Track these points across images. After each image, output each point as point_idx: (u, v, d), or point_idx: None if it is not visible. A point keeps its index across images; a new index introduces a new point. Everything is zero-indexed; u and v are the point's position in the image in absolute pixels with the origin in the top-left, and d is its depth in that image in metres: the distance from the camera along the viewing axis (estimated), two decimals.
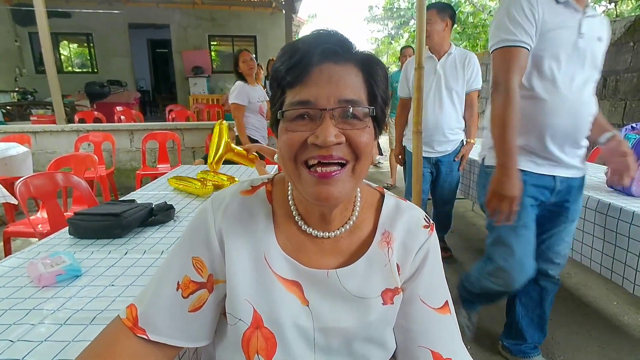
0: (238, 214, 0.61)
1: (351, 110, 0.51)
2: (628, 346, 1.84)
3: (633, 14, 3.80)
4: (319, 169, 0.51)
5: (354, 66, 0.53)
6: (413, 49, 4.12)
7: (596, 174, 2.05)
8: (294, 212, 0.62)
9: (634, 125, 1.73)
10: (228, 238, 0.60)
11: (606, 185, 1.76)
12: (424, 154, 2.27)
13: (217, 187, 1.83)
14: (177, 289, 0.59)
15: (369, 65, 0.54)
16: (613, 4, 5.22)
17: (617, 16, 5.45)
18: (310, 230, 0.61)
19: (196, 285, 0.60)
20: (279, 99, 0.55)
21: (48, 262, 0.97)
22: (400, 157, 2.65)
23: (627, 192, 1.64)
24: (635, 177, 1.62)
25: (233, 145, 1.81)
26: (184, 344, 0.60)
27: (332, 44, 0.52)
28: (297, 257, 0.61)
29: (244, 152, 1.79)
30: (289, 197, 0.63)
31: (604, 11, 6.77)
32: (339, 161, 0.52)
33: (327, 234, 0.61)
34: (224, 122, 1.86)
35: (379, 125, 0.57)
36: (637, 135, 1.65)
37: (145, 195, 1.79)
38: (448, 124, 2.37)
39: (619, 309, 2.14)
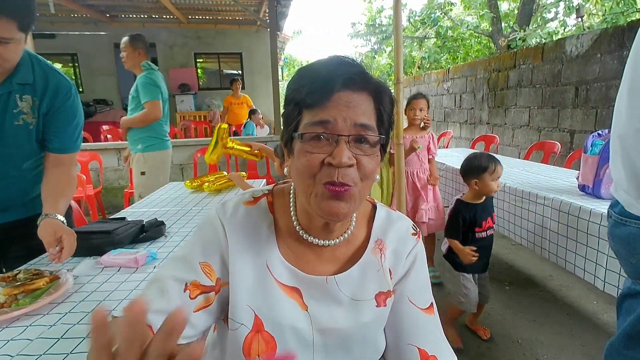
0: (242, 224, 0.66)
1: (364, 135, 0.57)
2: None
3: (599, 28, 4.03)
4: (332, 184, 0.56)
5: (368, 94, 0.59)
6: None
7: (568, 178, 2.16)
8: (295, 223, 0.66)
9: (600, 132, 1.83)
10: (233, 245, 0.64)
11: (577, 189, 1.86)
12: None
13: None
14: (185, 290, 0.61)
15: (379, 93, 0.60)
16: (580, 19, 5.53)
17: (585, 29, 5.74)
18: (312, 239, 0.66)
19: (206, 288, 0.63)
20: (296, 118, 0.59)
21: (129, 252, 1.22)
22: None
23: (596, 194, 1.74)
24: (603, 180, 1.72)
25: (231, 142, 2.26)
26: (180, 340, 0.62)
27: (353, 74, 0.57)
28: (298, 264, 0.65)
29: (247, 147, 2.30)
30: (291, 208, 0.67)
31: (574, 25, 7.13)
32: (348, 184, 0.57)
33: (327, 242, 0.66)
34: (223, 124, 2.30)
35: (384, 148, 0.64)
36: (603, 142, 1.75)
37: (136, 212, 1.82)
38: None
39: (599, 308, 2.23)
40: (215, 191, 2.17)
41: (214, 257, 0.64)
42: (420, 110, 2.54)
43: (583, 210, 1.61)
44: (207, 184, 2.17)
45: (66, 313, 0.91)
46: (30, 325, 0.86)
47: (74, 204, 2.01)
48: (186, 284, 0.62)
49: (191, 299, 0.62)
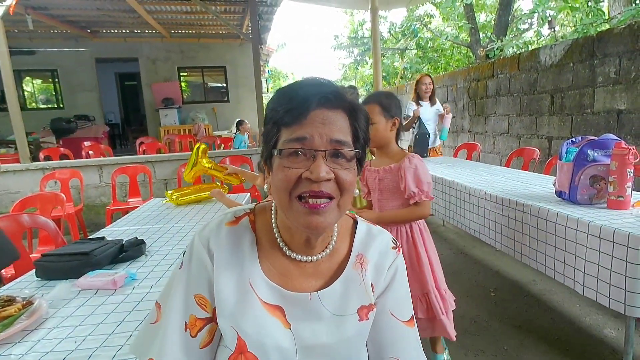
0: (225, 245, 0.65)
1: (340, 150, 0.60)
2: (591, 346, 1.94)
3: (571, 38, 4.19)
4: (310, 201, 0.58)
5: (343, 112, 0.62)
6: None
7: (546, 184, 2.21)
8: (278, 239, 0.67)
9: (573, 139, 1.89)
10: (217, 268, 0.63)
11: (555, 195, 1.91)
12: None
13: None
14: (186, 330, 0.62)
15: (354, 111, 0.63)
16: (552, 30, 5.75)
17: (558, 39, 5.97)
18: (295, 255, 0.66)
19: (203, 321, 0.63)
20: (274, 136, 0.61)
21: (107, 274, 1.20)
22: None
23: (572, 200, 1.78)
24: (579, 186, 1.77)
25: (208, 163, 2.27)
26: None
27: (328, 93, 0.60)
28: (281, 282, 0.65)
29: (221, 168, 2.31)
30: (273, 225, 0.68)
31: (547, 34, 7.41)
32: (328, 196, 0.59)
33: (310, 258, 0.67)
34: (202, 144, 2.30)
35: (361, 163, 0.66)
36: (577, 149, 1.80)
37: (116, 231, 1.78)
38: None
39: (581, 311, 2.26)
40: (186, 203, 2.30)
41: (207, 286, 0.64)
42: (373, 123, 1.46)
43: (560, 216, 1.65)
44: (175, 196, 2.28)
45: (39, 340, 0.89)
46: (1, 355, 0.83)
47: (52, 224, 1.97)
48: (185, 322, 0.62)
49: (192, 337, 0.62)
